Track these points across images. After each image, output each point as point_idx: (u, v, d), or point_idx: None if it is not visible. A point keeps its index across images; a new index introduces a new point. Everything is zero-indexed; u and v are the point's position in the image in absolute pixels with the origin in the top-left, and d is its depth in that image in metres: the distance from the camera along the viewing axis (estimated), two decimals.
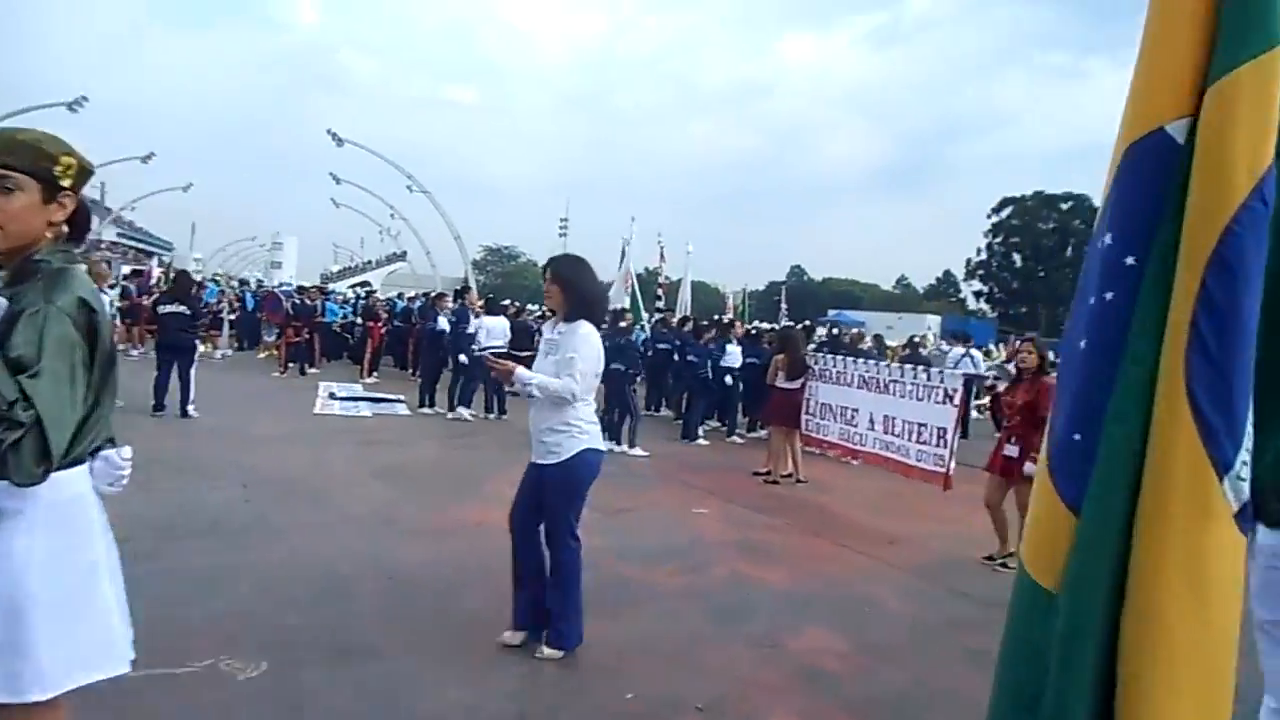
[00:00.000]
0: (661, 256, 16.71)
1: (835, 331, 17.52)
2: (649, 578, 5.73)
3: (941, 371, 8.00)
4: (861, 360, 8.87)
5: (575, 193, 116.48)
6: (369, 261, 70.22)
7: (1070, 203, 72.93)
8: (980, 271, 77.39)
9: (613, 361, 10.65)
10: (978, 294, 78.34)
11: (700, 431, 12.48)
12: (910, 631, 5.10)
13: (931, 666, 4.57)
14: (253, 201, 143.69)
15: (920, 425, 7.68)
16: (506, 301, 19.05)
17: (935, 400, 7.54)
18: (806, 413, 9.37)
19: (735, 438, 12.89)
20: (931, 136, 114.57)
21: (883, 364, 8.62)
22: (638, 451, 10.61)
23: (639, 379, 11.56)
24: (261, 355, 20.40)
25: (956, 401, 7.36)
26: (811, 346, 12.02)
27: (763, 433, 13.12)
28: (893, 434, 8.07)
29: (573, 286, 4.27)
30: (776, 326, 18.96)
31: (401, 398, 13.97)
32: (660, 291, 16.66)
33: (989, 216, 75.55)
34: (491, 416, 12.82)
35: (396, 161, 33.51)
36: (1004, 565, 6.66)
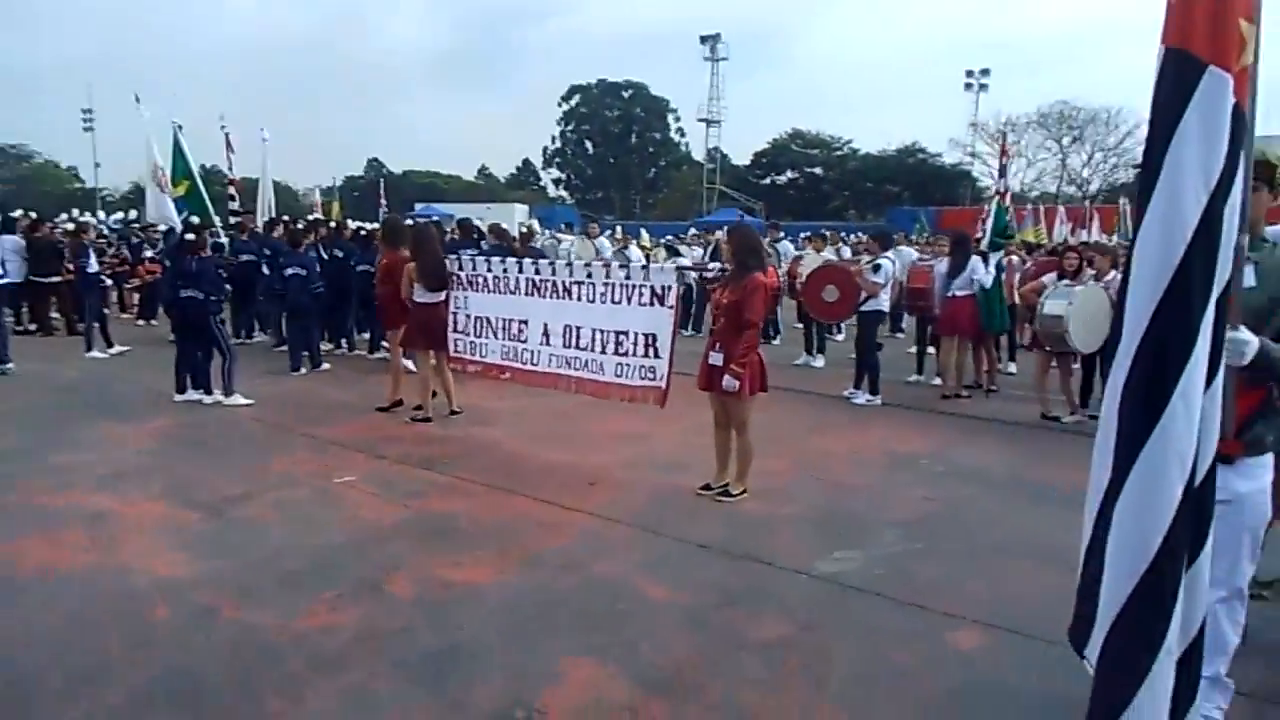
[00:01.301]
0: (229, 146, 13.39)
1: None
2: (297, 625, 3.80)
3: (647, 267, 6.67)
4: (530, 261, 7.29)
5: (99, 78, 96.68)
6: None
7: (630, 91, 76.21)
8: (557, 159, 78.84)
9: (187, 289, 8.02)
10: (557, 181, 79.89)
11: (320, 358, 10.22)
12: (686, 632, 3.83)
13: (740, 688, 3.35)
14: None
15: (619, 334, 6.36)
16: (18, 213, 14.53)
17: (640, 302, 6.24)
18: (455, 330, 7.65)
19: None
20: (493, 21, 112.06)
21: (562, 264, 7.13)
22: (238, 400, 8.15)
23: (223, 304, 8.87)
24: None
25: (670, 302, 6.12)
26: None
27: (385, 353, 11.18)
28: (578, 347, 6.69)
29: None
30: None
31: None
32: (233, 191, 13.38)
33: (560, 104, 76.63)
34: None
35: None
36: (724, 494, 5.72)
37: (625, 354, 6.36)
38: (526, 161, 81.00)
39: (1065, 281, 8.25)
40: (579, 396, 6.83)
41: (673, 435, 7.04)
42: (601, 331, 6.51)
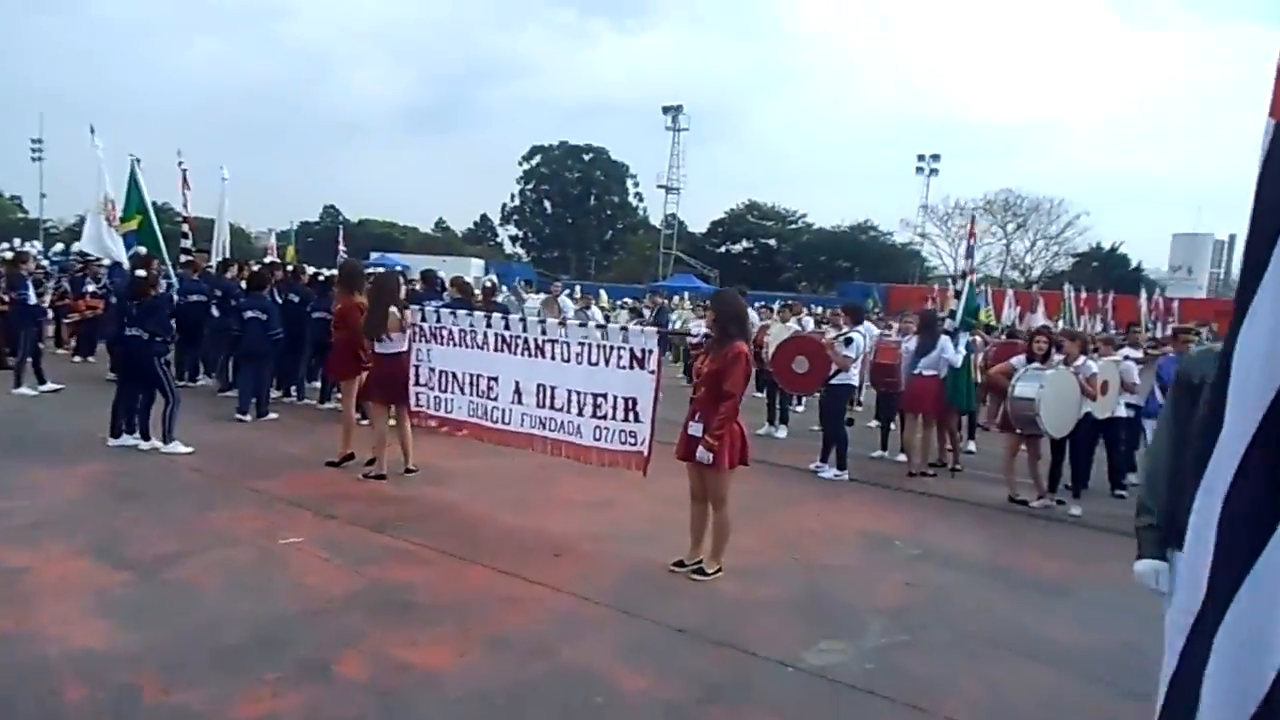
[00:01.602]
0: (185, 183, 12.92)
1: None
2: (233, 713, 3.38)
3: (626, 329, 6.37)
4: (500, 316, 6.98)
5: (51, 109, 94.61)
6: None
7: (591, 154, 77.04)
8: (515, 217, 79.06)
9: (132, 327, 7.58)
10: (513, 238, 79.95)
11: (268, 406, 9.72)
12: None
13: None
14: None
15: (597, 396, 6.07)
16: None
17: (619, 364, 5.96)
18: (416, 383, 7.29)
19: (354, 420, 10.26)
20: (459, 80, 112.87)
21: (533, 320, 6.83)
22: (177, 448, 7.64)
23: (171, 346, 8.35)
24: None
25: (652, 366, 5.85)
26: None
27: (337, 403, 10.73)
28: (553, 408, 6.38)
29: None
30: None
31: None
32: (187, 229, 12.86)
33: (520, 163, 77.12)
34: None
35: None
36: (699, 573, 5.41)
37: (604, 417, 6.06)
38: (484, 217, 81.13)
39: (1035, 365, 8.21)
40: (540, 458, 6.52)
41: (640, 504, 6.73)
42: (578, 393, 6.21)
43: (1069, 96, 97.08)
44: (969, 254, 9.86)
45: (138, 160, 12.18)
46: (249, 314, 9.61)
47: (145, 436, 7.73)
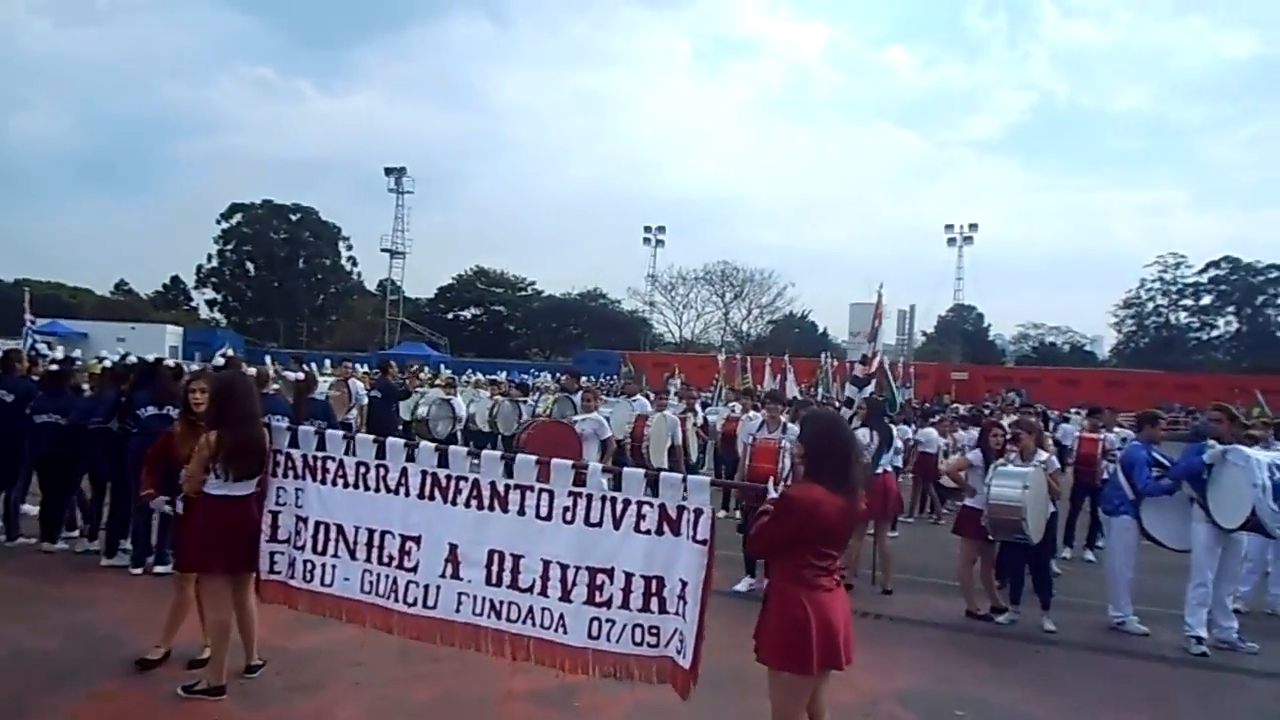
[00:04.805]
0: None
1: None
2: None
3: (656, 474, 4.19)
4: (433, 447, 4.63)
5: None
6: None
7: (299, 214, 71.75)
8: (214, 279, 71.30)
9: None
10: (211, 303, 71.98)
11: None
12: None
13: None
14: None
15: (597, 572, 4.05)
16: None
17: (640, 526, 3.96)
18: (274, 538, 4.81)
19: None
20: (140, 130, 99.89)
21: (492, 454, 4.54)
22: None
23: None
24: None
25: (701, 534, 3.89)
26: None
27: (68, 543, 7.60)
28: (516, 587, 4.24)
29: None
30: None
31: None
32: None
33: (219, 222, 69.93)
34: None
35: None
36: None
37: (607, 604, 4.03)
38: (176, 279, 72.49)
39: (1001, 461, 7.27)
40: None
41: (611, 692, 4.63)
42: (561, 566, 4.14)
43: (765, 178, 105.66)
44: (873, 336, 8.88)
45: None
46: None
47: None
